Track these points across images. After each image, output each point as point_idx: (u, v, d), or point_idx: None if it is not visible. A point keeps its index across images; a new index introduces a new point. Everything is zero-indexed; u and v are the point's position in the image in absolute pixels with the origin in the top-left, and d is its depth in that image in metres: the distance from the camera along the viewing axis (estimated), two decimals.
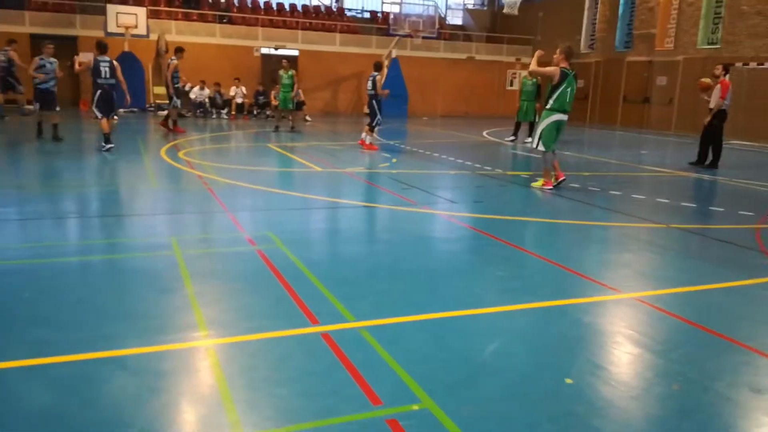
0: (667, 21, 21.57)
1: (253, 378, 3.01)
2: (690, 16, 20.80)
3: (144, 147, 12.04)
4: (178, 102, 14.88)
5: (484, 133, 18.12)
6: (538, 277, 4.87)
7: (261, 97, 21.08)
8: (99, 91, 10.86)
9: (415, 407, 2.77)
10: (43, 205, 6.75)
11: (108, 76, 10.82)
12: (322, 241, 5.94)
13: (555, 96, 8.34)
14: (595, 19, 24.98)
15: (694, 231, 6.70)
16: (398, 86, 22.70)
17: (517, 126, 16.04)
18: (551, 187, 8.56)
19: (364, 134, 12.99)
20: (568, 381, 3.09)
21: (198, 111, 20.34)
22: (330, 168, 10.16)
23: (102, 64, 10.82)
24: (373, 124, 12.84)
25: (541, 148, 8.54)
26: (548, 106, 8.44)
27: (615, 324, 3.96)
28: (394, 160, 11.29)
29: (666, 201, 8.27)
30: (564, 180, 8.64)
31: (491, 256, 5.48)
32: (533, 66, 8.56)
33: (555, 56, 8.45)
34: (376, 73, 12.89)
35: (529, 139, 15.54)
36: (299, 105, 20.43)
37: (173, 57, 14.83)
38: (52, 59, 12.02)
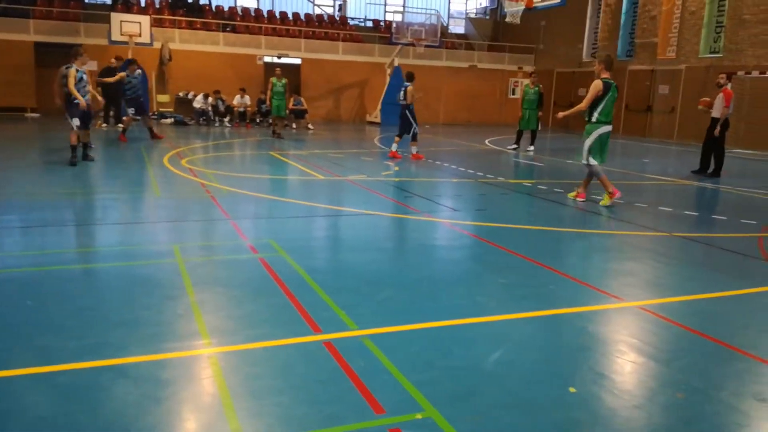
0: (669, 30, 21.61)
1: (255, 386, 3.01)
2: (692, 25, 20.83)
3: (147, 155, 12.07)
4: (130, 111, 14.34)
5: (486, 142, 18.13)
6: (540, 285, 4.85)
7: (264, 105, 21.13)
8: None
9: (419, 416, 2.76)
10: (46, 213, 6.76)
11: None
12: (324, 249, 5.95)
13: (600, 108, 8.10)
14: (597, 28, 25.02)
15: (697, 239, 6.69)
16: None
17: (519, 134, 16.06)
18: (584, 199, 8.51)
19: (394, 145, 12.92)
20: (572, 390, 3.08)
21: (201, 119, 20.42)
22: (332, 176, 10.17)
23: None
24: (412, 133, 12.68)
25: (593, 162, 8.29)
26: (594, 119, 8.17)
27: (618, 332, 3.95)
28: (396, 168, 11.30)
29: (669, 209, 8.26)
30: (620, 197, 8.36)
31: (494, 264, 5.47)
32: (585, 103, 8.23)
33: (595, 68, 8.34)
34: (408, 83, 12.83)
35: (531, 148, 15.60)
36: (302, 113, 20.50)
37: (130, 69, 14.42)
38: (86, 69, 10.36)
